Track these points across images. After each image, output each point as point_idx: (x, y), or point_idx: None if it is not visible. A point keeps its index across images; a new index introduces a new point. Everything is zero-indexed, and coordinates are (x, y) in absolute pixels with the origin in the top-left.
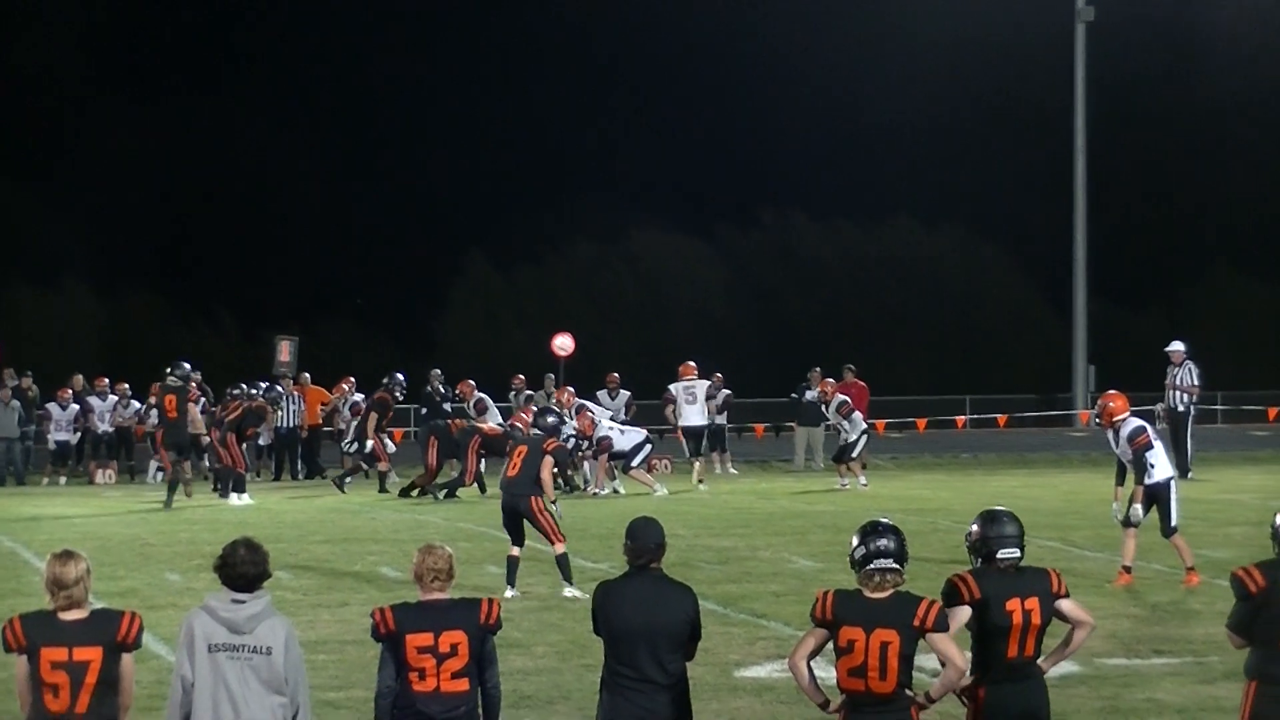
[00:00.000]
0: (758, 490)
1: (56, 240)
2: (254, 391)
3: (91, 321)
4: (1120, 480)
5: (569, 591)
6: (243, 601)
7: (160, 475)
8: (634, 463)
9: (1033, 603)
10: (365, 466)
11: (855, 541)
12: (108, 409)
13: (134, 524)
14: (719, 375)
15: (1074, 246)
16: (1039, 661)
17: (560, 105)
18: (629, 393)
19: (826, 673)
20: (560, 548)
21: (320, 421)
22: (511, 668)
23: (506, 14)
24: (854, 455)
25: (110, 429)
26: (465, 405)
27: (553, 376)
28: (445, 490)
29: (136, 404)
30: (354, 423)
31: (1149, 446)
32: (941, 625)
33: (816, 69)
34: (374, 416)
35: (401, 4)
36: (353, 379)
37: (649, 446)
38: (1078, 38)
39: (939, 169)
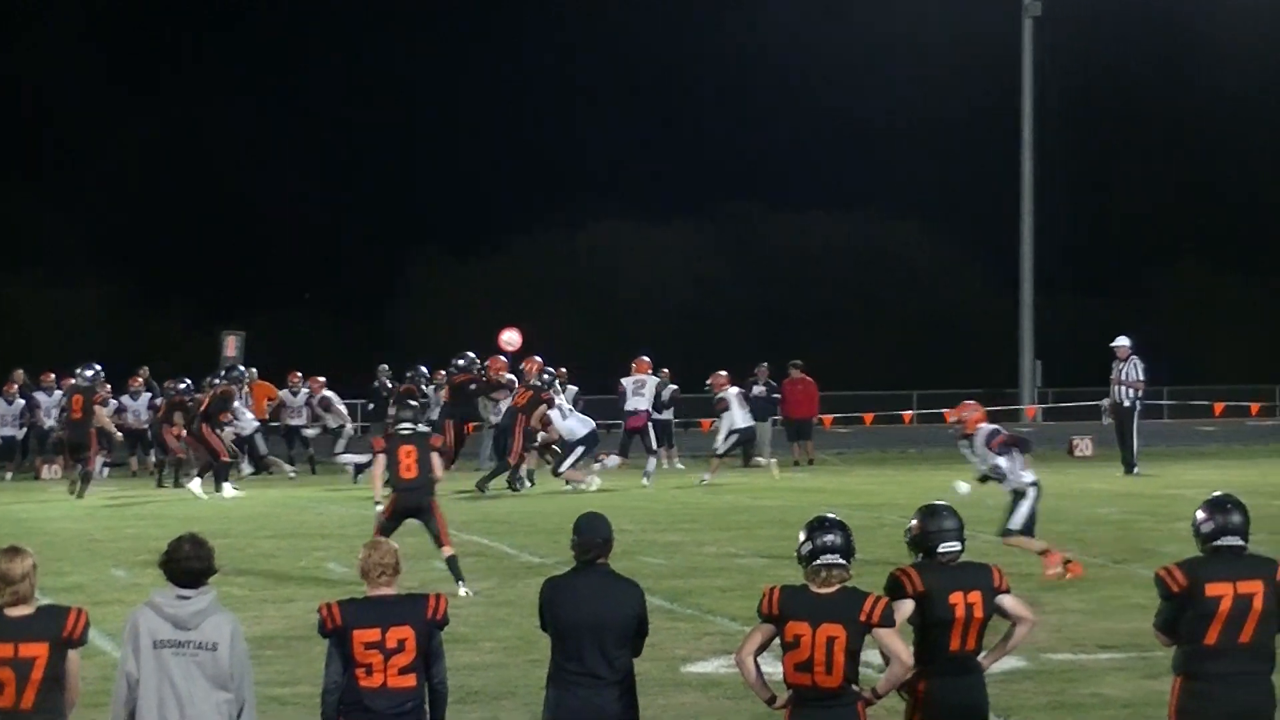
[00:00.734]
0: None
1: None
2: (215, 380)
3: (39, 312)
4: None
5: (464, 590)
6: (188, 598)
7: (106, 471)
8: (562, 468)
9: (975, 596)
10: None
11: (802, 537)
12: (54, 404)
13: (80, 520)
14: (666, 371)
15: (1020, 242)
16: (980, 658)
17: (518, 93)
18: (576, 388)
19: (774, 668)
20: (449, 550)
21: (267, 416)
22: (458, 663)
23: (461, 1)
24: (720, 453)
25: (57, 424)
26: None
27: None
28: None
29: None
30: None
31: (1007, 448)
32: (888, 620)
33: (777, 59)
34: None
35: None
36: (300, 373)
37: (581, 449)
38: (1025, 31)
39: (898, 162)
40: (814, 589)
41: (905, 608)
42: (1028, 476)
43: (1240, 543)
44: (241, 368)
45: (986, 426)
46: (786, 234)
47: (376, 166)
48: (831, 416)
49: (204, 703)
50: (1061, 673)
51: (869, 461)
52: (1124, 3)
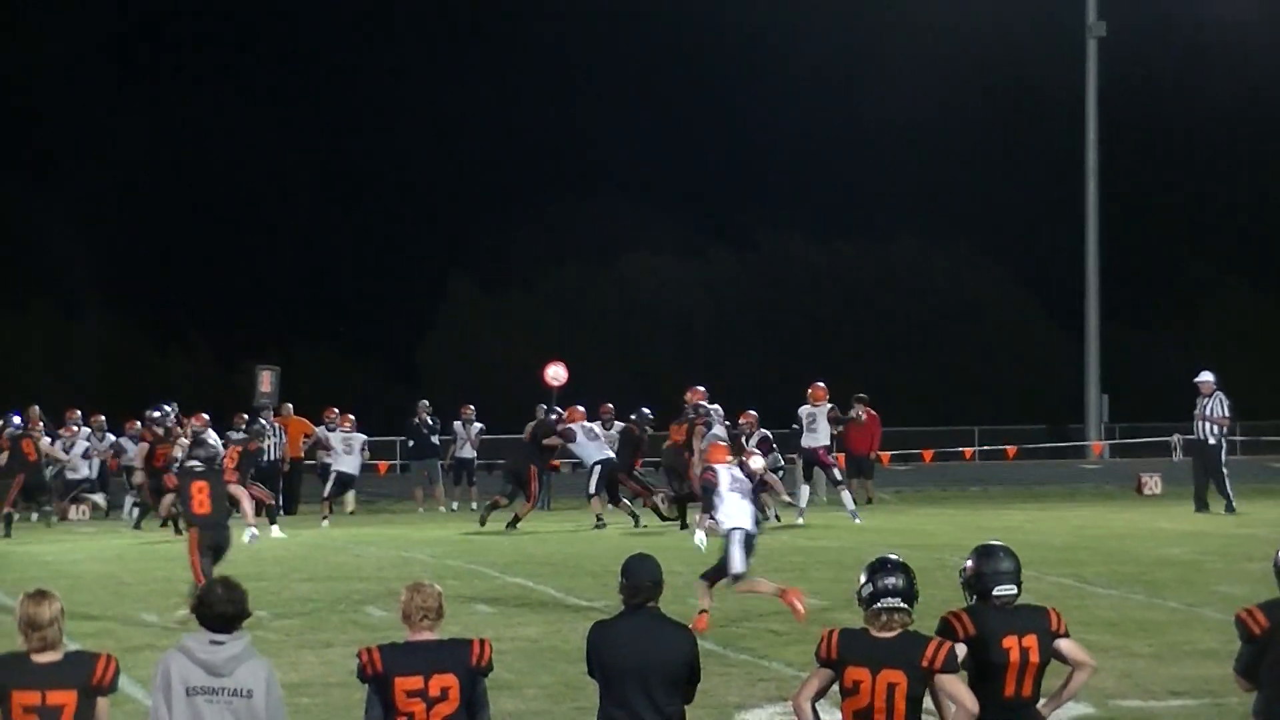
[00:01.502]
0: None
1: (22, 259)
2: (238, 435)
3: (60, 348)
4: None
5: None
6: (221, 643)
7: (135, 511)
8: (591, 490)
9: (1030, 640)
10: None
11: (863, 579)
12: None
13: (108, 561)
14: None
15: (1086, 273)
16: (1039, 705)
17: (548, 124)
18: (623, 424)
19: (831, 716)
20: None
21: (302, 454)
22: (502, 709)
23: (493, 34)
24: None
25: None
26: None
27: (544, 407)
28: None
29: (112, 437)
30: None
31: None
32: (951, 666)
33: (815, 86)
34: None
35: (384, 24)
36: (336, 410)
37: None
38: (1089, 54)
39: (943, 187)
40: (874, 633)
41: (958, 652)
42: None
43: None
44: (263, 421)
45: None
46: (832, 264)
47: (411, 200)
48: (889, 454)
49: None
50: None
51: (928, 500)
52: (1179, 27)
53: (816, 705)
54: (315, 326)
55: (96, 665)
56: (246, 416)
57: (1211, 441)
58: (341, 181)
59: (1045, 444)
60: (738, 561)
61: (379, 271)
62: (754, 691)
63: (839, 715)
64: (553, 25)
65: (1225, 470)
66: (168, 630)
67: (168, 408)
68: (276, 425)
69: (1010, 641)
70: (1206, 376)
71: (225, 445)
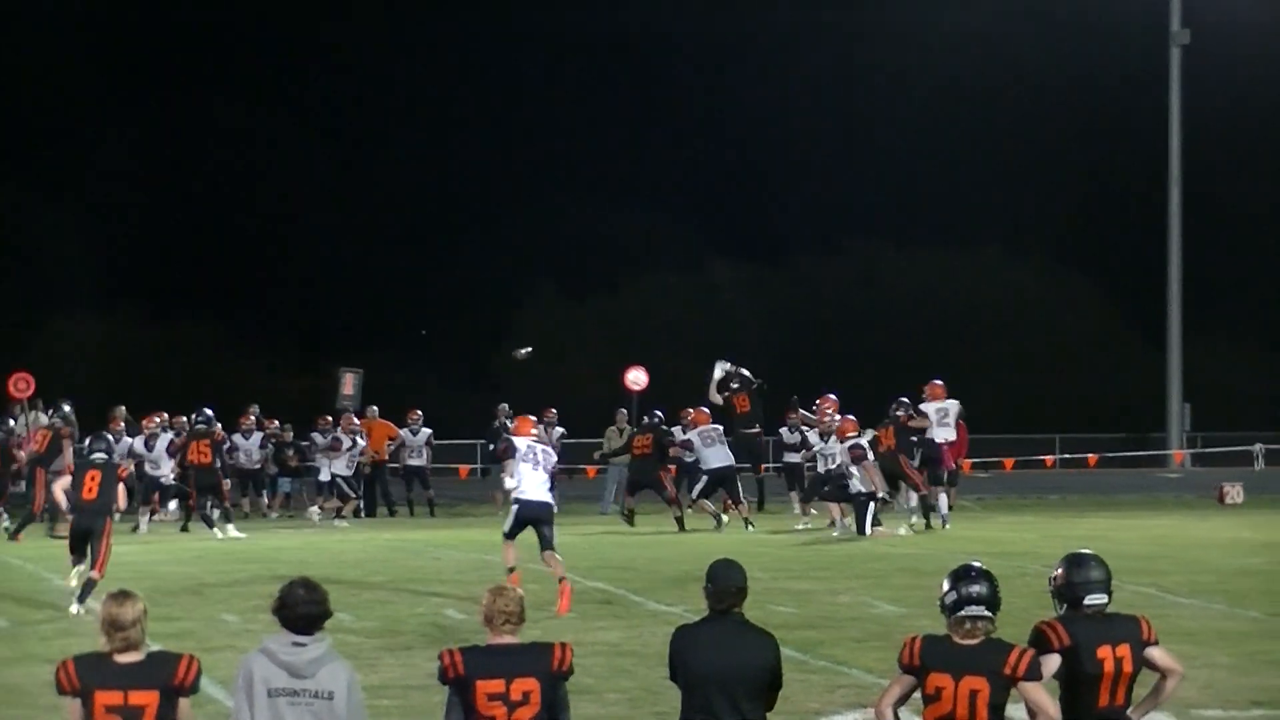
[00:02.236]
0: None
1: (105, 263)
2: (322, 439)
3: (142, 350)
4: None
5: (75, 609)
6: (303, 644)
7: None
8: (694, 493)
9: (1124, 650)
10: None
11: (946, 586)
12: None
13: (189, 563)
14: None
15: (1168, 282)
16: (1128, 712)
17: (631, 132)
18: (562, 430)
19: None
20: (96, 575)
21: (386, 457)
22: (582, 714)
23: (573, 44)
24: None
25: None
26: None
27: (624, 412)
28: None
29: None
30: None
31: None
32: (1034, 673)
33: (898, 95)
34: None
35: (470, 39)
36: (419, 412)
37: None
38: (1173, 62)
39: (1025, 196)
40: (957, 640)
41: (1051, 662)
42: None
43: None
44: (341, 424)
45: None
46: (915, 273)
47: (494, 204)
48: (970, 461)
49: None
50: None
51: (1009, 508)
52: (1265, 33)
53: (898, 712)
54: (396, 330)
55: (178, 666)
56: (330, 419)
57: None
58: (426, 186)
59: (1126, 453)
60: (507, 525)
61: (460, 275)
62: (833, 698)
63: None
64: (638, 31)
65: None
66: (249, 631)
67: (209, 411)
68: (359, 428)
69: (1104, 651)
70: None
71: (307, 447)
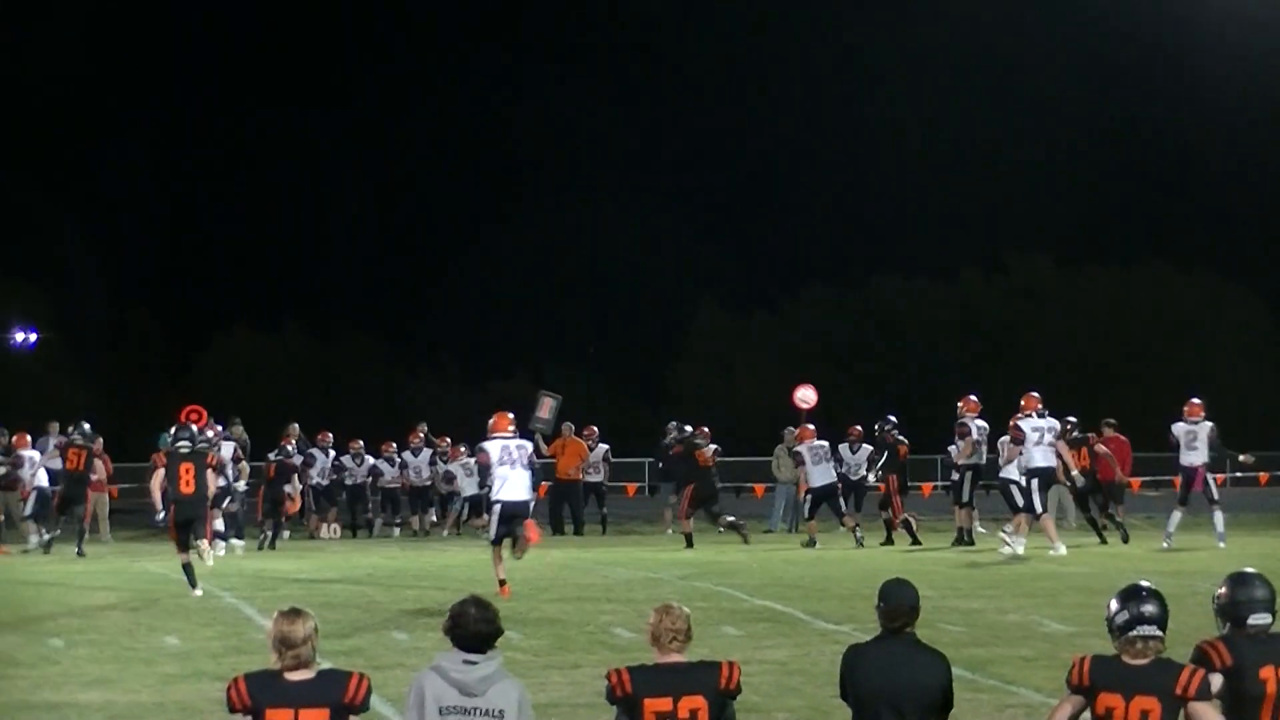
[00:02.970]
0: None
1: (275, 281)
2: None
3: (308, 366)
4: None
5: (197, 592)
6: (475, 662)
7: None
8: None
9: None
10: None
11: (1115, 606)
12: (327, 463)
13: (359, 581)
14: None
15: None
16: None
17: (798, 152)
18: (870, 447)
19: None
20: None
21: (581, 476)
22: None
23: (745, 57)
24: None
25: (326, 482)
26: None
27: (793, 430)
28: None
29: (370, 459)
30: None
31: None
32: (1205, 694)
33: (1061, 109)
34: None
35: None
36: (595, 428)
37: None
38: None
39: (1189, 209)
40: (1127, 660)
41: (1214, 682)
42: None
43: None
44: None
45: None
46: (1080, 287)
47: (662, 222)
48: (1139, 479)
49: None
50: None
51: (1179, 526)
52: None
53: None
54: (565, 347)
55: (349, 683)
56: (678, 432)
57: None
58: (599, 206)
59: None
60: (492, 530)
61: (629, 293)
62: (1002, 717)
63: None
64: (804, 58)
65: None
66: (418, 649)
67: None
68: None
69: (1267, 672)
70: None
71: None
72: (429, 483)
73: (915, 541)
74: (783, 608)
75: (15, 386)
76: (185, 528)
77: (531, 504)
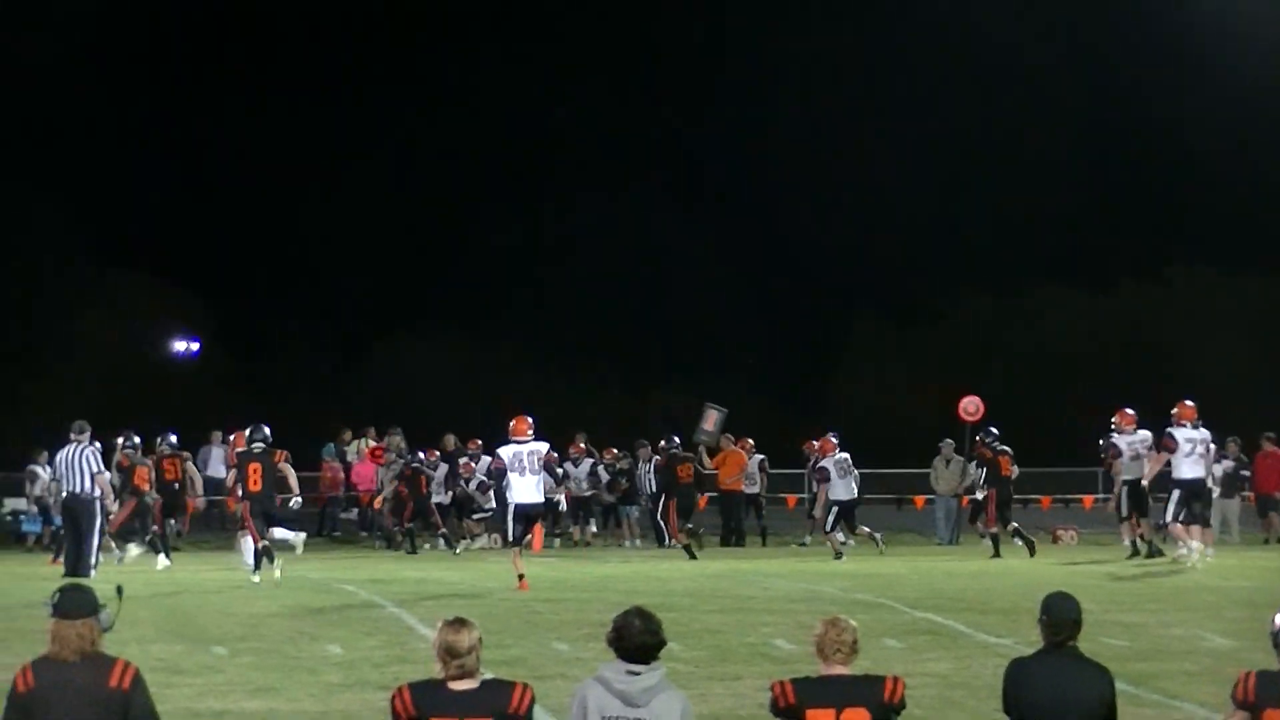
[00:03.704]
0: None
1: (433, 287)
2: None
3: (463, 373)
4: None
5: (277, 573)
6: (638, 673)
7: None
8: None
9: None
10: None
11: (1279, 621)
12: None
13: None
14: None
15: None
16: None
17: (949, 161)
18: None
19: None
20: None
21: (741, 486)
22: None
23: (907, 80)
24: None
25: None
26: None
27: (951, 442)
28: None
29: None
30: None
31: None
32: None
33: (1225, 111)
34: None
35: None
36: (750, 440)
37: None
38: None
39: None
40: None
41: None
42: None
43: None
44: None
45: None
46: (1243, 298)
47: (817, 233)
48: None
49: None
50: None
51: None
52: None
53: None
54: (724, 358)
55: (513, 693)
56: (663, 444)
57: None
58: (756, 217)
59: None
60: (511, 531)
61: (788, 303)
62: None
63: None
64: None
65: None
66: (580, 660)
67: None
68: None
69: None
70: None
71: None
72: (589, 494)
73: (997, 555)
74: (944, 620)
75: (184, 396)
76: (261, 520)
77: (544, 505)
